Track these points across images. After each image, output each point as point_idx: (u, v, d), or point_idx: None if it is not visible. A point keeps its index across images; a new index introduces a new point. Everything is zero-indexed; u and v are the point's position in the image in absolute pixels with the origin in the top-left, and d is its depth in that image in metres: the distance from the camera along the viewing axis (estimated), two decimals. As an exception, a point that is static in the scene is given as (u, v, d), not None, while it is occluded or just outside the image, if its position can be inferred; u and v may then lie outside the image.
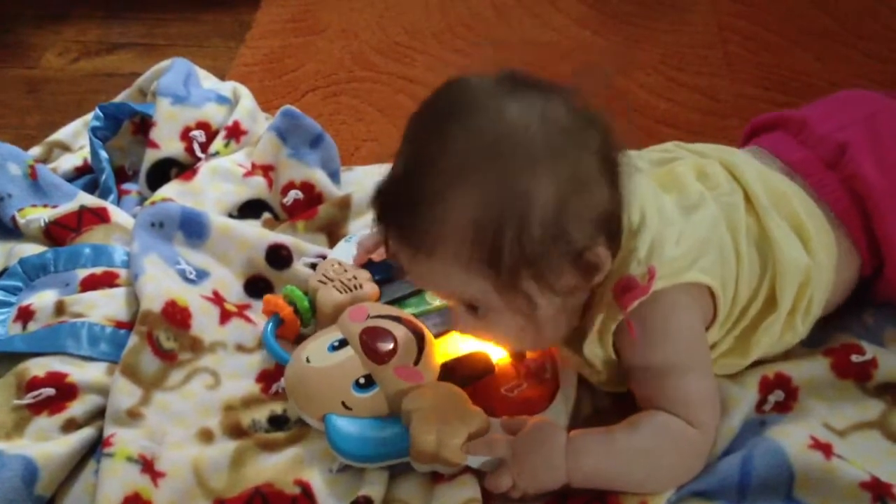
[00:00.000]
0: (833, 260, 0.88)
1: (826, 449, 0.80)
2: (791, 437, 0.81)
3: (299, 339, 0.95)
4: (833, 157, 0.91)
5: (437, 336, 0.92)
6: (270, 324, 0.95)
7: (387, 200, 0.78)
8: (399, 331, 0.89)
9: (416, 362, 0.87)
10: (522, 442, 0.81)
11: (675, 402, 0.80)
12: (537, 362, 0.90)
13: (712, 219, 0.84)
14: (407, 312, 0.94)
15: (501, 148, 0.72)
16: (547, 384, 0.89)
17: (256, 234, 1.05)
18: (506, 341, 0.86)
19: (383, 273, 1.00)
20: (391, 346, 0.87)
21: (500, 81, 0.75)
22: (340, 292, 0.96)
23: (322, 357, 0.89)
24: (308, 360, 0.89)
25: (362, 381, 0.87)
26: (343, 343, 0.89)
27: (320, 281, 0.97)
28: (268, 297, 0.97)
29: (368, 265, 1.02)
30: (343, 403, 0.86)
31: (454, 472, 0.82)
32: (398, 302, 0.98)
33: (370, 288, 0.97)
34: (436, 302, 0.97)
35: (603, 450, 0.80)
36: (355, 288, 0.96)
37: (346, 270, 0.99)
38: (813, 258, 0.85)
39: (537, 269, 0.74)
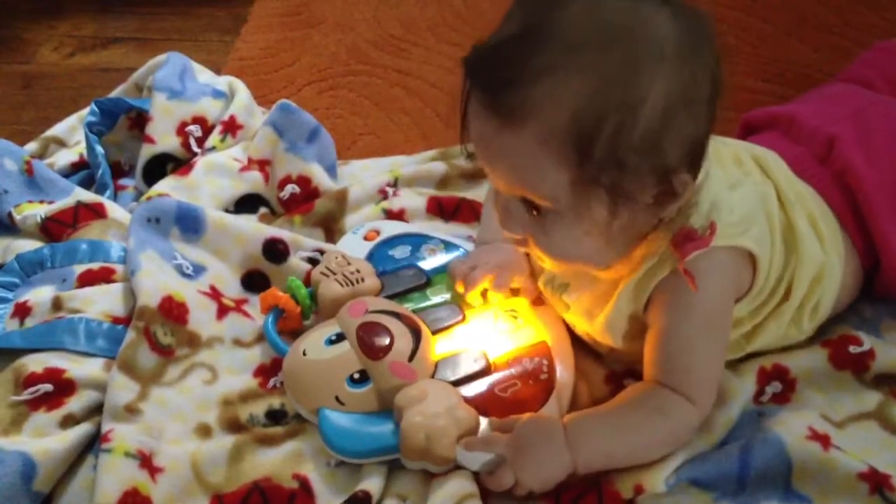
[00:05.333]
0: (842, 262, 0.88)
1: (824, 440, 0.80)
2: (789, 429, 0.81)
3: (301, 332, 0.94)
4: (823, 151, 0.91)
5: (436, 332, 0.92)
6: (271, 316, 0.95)
7: (486, 60, 0.71)
8: (396, 327, 0.89)
9: (411, 359, 0.87)
10: (521, 437, 0.80)
11: (682, 374, 0.81)
12: (534, 362, 0.89)
13: (755, 199, 0.83)
14: (407, 308, 0.94)
15: (630, 34, 0.68)
16: (542, 385, 0.88)
17: (253, 228, 1.05)
18: (552, 251, 0.79)
19: (387, 266, 1.00)
20: (386, 341, 0.87)
21: None
22: (342, 285, 0.95)
23: (318, 350, 0.89)
24: (305, 353, 0.89)
25: (357, 376, 0.86)
26: (340, 337, 0.89)
27: (322, 273, 0.97)
28: (265, 293, 0.97)
29: (371, 257, 1.02)
30: (336, 398, 0.86)
31: (444, 471, 0.82)
32: (400, 297, 0.97)
33: (372, 282, 0.97)
34: (436, 298, 0.97)
35: (602, 431, 0.81)
36: (357, 282, 0.96)
37: (349, 263, 0.98)
38: (827, 257, 0.86)
39: (621, 174, 0.70)
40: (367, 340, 0.87)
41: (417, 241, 1.04)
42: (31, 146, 1.23)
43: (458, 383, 0.87)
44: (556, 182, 0.71)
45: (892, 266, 0.90)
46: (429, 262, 1.01)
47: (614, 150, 0.68)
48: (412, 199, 1.12)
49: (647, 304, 0.82)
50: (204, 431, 0.88)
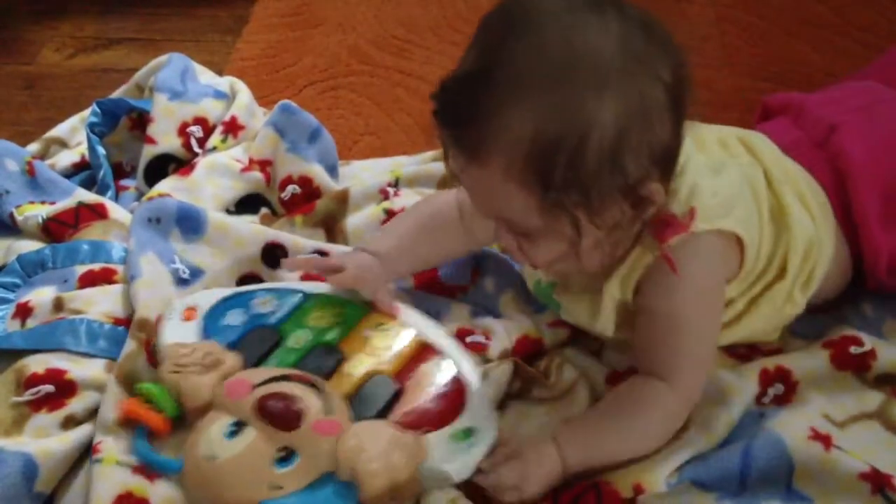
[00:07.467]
0: (832, 236, 0.89)
1: (825, 440, 0.80)
2: (791, 429, 0.81)
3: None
4: (822, 136, 0.92)
5: (327, 377, 0.86)
6: (140, 438, 0.84)
7: (447, 102, 0.75)
8: (296, 388, 0.82)
9: (328, 412, 0.81)
10: (525, 466, 0.79)
11: (668, 360, 0.82)
12: (429, 363, 0.88)
13: (739, 180, 0.84)
14: (284, 367, 0.87)
15: (572, 66, 0.70)
16: (453, 381, 0.86)
17: (253, 231, 1.04)
18: (544, 264, 0.83)
19: (231, 337, 0.91)
20: (298, 405, 0.81)
21: None
22: (203, 374, 0.85)
23: (224, 448, 0.79)
24: (213, 458, 0.79)
25: (282, 454, 0.79)
26: (240, 425, 0.81)
27: (173, 372, 0.86)
28: (125, 405, 0.85)
29: (207, 335, 0.91)
30: (269, 485, 0.78)
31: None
32: (264, 360, 0.89)
33: (232, 358, 0.87)
34: (302, 345, 0.90)
35: (588, 439, 0.81)
36: (216, 363, 0.86)
37: (194, 350, 0.87)
38: (817, 231, 0.87)
39: (586, 195, 0.72)
40: (278, 413, 0.80)
41: (244, 300, 0.95)
42: (33, 147, 1.23)
43: (380, 414, 0.83)
44: (525, 208, 0.74)
45: (871, 252, 0.90)
46: (273, 314, 0.94)
47: (573, 177, 0.71)
48: (413, 200, 1.11)
49: (636, 292, 0.83)
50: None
